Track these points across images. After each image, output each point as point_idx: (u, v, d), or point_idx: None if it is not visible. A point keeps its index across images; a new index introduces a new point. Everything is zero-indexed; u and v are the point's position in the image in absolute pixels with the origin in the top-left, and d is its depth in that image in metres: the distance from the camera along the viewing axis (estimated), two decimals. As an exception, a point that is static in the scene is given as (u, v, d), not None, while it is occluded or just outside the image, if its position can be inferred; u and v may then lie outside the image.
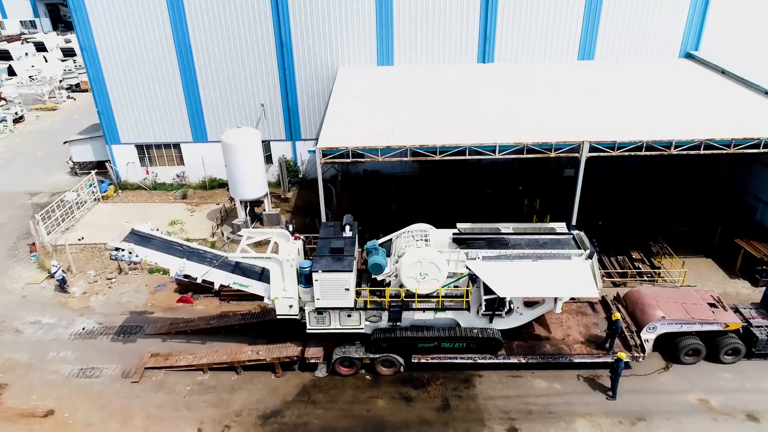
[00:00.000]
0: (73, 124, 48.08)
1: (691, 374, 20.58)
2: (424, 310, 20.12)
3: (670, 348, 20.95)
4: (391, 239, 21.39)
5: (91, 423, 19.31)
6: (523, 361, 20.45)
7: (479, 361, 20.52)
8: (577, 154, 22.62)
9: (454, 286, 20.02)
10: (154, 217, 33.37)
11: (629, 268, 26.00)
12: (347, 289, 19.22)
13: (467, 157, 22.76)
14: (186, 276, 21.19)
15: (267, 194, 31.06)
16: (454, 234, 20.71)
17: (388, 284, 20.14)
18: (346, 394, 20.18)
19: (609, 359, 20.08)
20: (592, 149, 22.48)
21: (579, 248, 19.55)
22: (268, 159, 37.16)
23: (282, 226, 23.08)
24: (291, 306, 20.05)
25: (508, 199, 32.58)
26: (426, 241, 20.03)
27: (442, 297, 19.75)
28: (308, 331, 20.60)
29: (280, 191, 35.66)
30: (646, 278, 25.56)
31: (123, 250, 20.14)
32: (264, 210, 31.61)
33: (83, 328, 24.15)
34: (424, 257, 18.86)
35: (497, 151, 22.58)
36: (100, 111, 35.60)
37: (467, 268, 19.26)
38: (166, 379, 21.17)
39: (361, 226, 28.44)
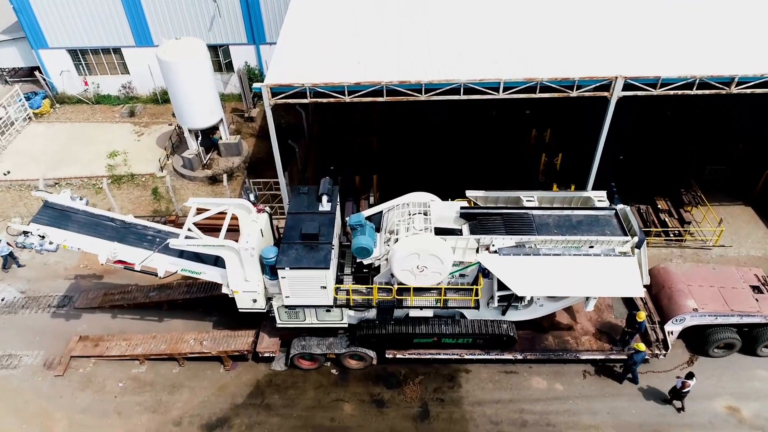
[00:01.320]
0: None
1: (719, 371, 17.19)
2: (421, 308, 16.14)
3: (698, 338, 17.37)
4: (381, 211, 16.83)
5: (7, 430, 16.32)
6: (519, 357, 16.96)
7: (467, 356, 17.05)
8: (605, 93, 17.20)
9: (460, 275, 15.86)
10: (93, 143, 28.52)
11: (654, 223, 21.65)
12: (324, 287, 15.13)
13: (462, 96, 17.36)
14: (120, 261, 16.66)
15: (222, 120, 25.73)
16: (462, 209, 16.08)
17: (378, 268, 15.99)
18: (306, 396, 16.96)
19: (624, 356, 16.62)
20: (627, 87, 17.01)
21: (624, 232, 15.10)
22: (229, 66, 31.16)
23: (243, 193, 18.20)
24: (255, 300, 16.07)
25: (514, 128, 27.15)
26: (425, 215, 15.56)
27: (445, 291, 15.68)
28: (278, 326, 16.81)
29: (244, 107, 30.15)
30: (672, 236, 21.29)
31: (31, 233, 15.44)
32: (221, 138, 26.49)
33: (2, 299, 20.46)
34: (422, 248, 14.50)
35: (501, 90, 17.12)
36: (16, 8, 28.85)
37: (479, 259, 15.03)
38: (95, 372, 17.87)
39: (334, 168, 23.77)
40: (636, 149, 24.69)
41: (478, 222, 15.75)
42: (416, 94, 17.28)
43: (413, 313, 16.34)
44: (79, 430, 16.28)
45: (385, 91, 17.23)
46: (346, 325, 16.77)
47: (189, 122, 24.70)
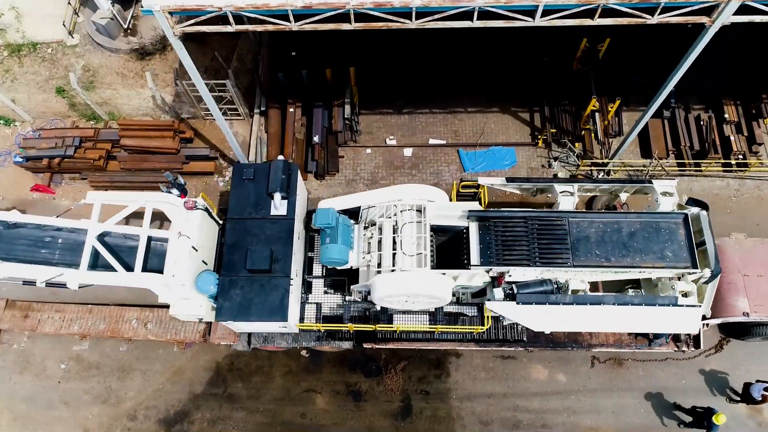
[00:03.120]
0: None
1: (749, 359, 14.80)
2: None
3: (736, 324, 14.52)
4: (359, 207, 12.29)
5: (-56, 427, 14.89)
6: (520, 350, 14.41)
7: (459, 348, 14.50)
8: (704, 19, 10.83)
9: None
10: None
11: (713, 143, 16.62)
12: (284, 327, 11.70)
13: (475, 23, 10.99)
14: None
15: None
16: (471, 212, 11.57)
17: (356, 271, 12.38)
18: (274, 385, 14.98)
19: (648, 349, 13.99)
20: (743, 9, 10.59)
21: (691, 252, 11.01)
22: None
23: (165, 185, 12.87)
24: (201, 319, 12.79)
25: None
26: (419, 212, 11.32)
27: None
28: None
29: None
30: (735, 167, 16.52)
31: None
32: (143, -14, 19.15)
33: None
34: (412, 291, 10.79)
35: (539, 15, 10.72)
36: None
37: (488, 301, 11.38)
38: (32, 349, 15.63)
39: (296, 54, 16.25)
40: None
41: (491, 228, 11.42)
42: (403, 20, 10.97)
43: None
44: (25, 424, 14.77)
45: (353, 16, 10.88)
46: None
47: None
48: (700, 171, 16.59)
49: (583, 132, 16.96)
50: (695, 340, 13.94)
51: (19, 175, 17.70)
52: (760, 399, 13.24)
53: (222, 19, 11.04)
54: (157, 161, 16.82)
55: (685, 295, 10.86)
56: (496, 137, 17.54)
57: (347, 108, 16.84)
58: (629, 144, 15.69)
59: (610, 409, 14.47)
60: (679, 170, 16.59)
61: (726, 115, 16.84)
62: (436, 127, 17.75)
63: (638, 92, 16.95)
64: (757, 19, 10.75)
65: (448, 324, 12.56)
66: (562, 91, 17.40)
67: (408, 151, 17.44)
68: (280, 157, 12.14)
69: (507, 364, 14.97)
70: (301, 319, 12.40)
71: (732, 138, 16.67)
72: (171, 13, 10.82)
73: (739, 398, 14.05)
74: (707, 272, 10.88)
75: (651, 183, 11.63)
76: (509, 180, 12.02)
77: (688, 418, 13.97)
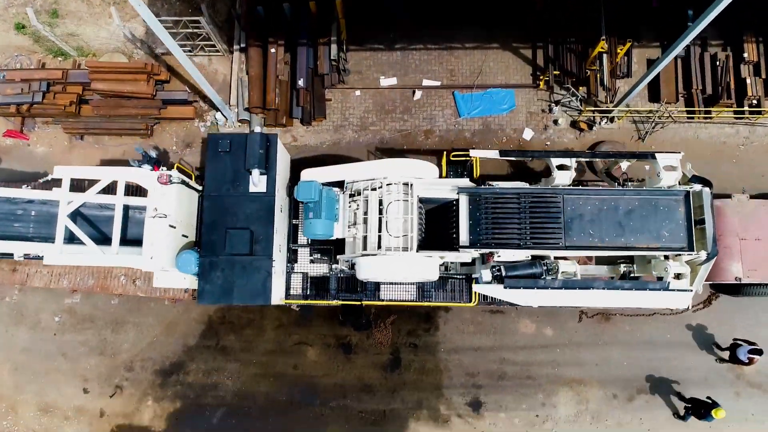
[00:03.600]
0: None
1: (739, 315, 14.85)
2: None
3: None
4: (343, 183, 11.66)
5: (-52, 376, 15.39)
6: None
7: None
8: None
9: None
10: None
11: (727, 87, 15.45)
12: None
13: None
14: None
15: None
16: (460, 189, 10.95)
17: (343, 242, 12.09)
18: (265, 338, 15.25)
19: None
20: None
21: (689, 234, 10.59)
22: None
23: (134, 160, 11.65)
24: (186, 290, 12.70)
25: None
26: (407, 202, 10.82)
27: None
28: None
29: None
30: (748, 110, 15.46)
31: None
32: None
33: None
34: (397, 273, 10.61)
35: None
36: None
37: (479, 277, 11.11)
38: (24, 302, 15.72)
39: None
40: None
41: (481, 204, 10.90)
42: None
43: None
44: (26, 375, 15.25)
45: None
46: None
47: None
48: (710, 118, 15.60)
49: (588, 73, 15.73)
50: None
51: (-15, 116, 16.75)
52: (747, 362, 13.44)
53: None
54: (132, 106, 15.78)
55: (678, 276, 10.57)
56: (494, 78, 16.31)
57: (334, 47, 15.48)
58: (642, 86, 14.56)
59: (593, 362, 14.83)
60: (688, 117, 15.60)
61: (745, 54, 15.50)
62: (431, 65, 16.45)
63: (654, 21, 15.59)
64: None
65: (435, 293, 12.44)
66: (568, 24, 15.88)
67: (418, 94, 16.21)
68: (257, 129, 11.26)
69: (495, 319, 15.10)
70: (287, 289, 12.25)
71: (748, 81, 15.47)
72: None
73: (727, 359, 14.27)
74: (703, 254, 10.52)
75: (654, 158, 10.86)
76: (503, 153, 11.23)
77: (682, 405, 14.18)
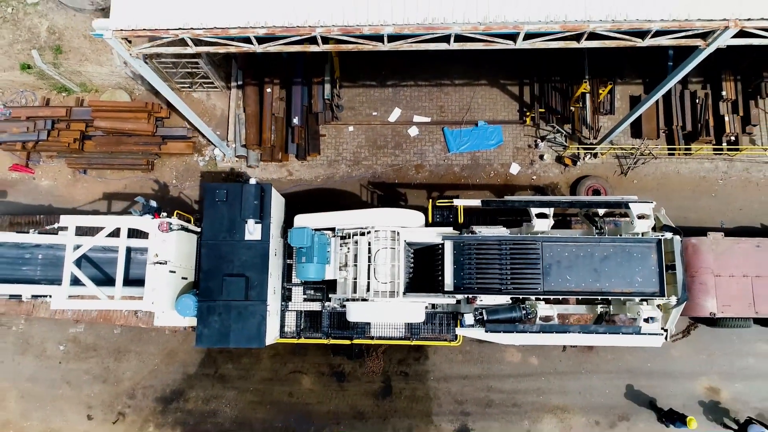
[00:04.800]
0: None
1: (717, 344, 15.49)
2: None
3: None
4: (334, 228, 12.27)
5: (-42, 403, 16.00)
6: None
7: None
8: (698, 42, 10.07)
9: None
10: None
11: (705, 125, 16.05)
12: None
13: (452, 45, 10.20)
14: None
15: None
16: (445, 237, 11.59)
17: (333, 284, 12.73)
18: (262, 367, 15.86)
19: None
20: (741, 33, 9.82)
21: (661, 280, 11.20)
22: None
23: (136, 209, 12.22)
24: (186, 327, 13.32)
25: None
26: (394, 249, 11.47)
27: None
28: None
29: None
30: (726, 147, 16.05)
31: None
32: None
33: None
34: (383, 318, 11.44)
35: (520, 39, 9.93)
36: None
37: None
38: (30, 332, 16.34)
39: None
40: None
41: (465, 250, 11.50)
42: (375, 43, 10.23)
43: None
44: (33, 402, 15.87)
45: (320, 40, 10.13)
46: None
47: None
48: (690, 153, 16.20)
49: (573, 110, 16.34)
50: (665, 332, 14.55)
51: (-4, 152, 17.37)
52: None
53: (181, 40, 10.28)
54: (133, 143, 16.40)
55: (650, 319, 11.18)
56: (483, 114, 16.92)
57: (327, 87, 16.07)
58: (626, 124, 15.12)
59: (577, 390, 15.44)
60: (669, 152, 16.21)
61: (723, 92, 16.10)
62: (421, 101, 17.06)
63: (636, 60, 16.26)
64: (755, 42, 9.99)
65: (423, 328, 13.05)
66: (553, 64, 16.47)
67: (414, 131, 16.79)
68: (252, 180, 11.86)
69: (483, 348, 15.71)
70: (282, 326, 12.88)
71: (726, 118, 16.07)
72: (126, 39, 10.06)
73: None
74: (673, 299, 11.13)
75: (628, 207, 11.45)
76: (484, 203, 11.82)
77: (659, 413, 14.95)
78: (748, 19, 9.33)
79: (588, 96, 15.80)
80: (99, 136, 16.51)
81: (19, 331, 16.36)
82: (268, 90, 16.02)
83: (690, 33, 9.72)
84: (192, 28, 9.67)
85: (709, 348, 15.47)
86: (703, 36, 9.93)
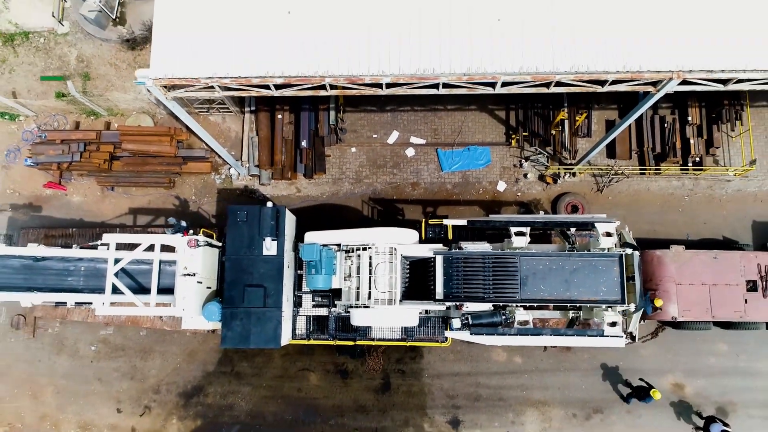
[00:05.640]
0: None
1: (681, 344, 17.26)
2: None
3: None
4: (340, 243, 14.07)
5: (0, 397, 17.77)
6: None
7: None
8: (650, 88, 11.85)
9: None
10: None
11: (673, 147, 17.81)
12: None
13: (441, 91, 11.99)
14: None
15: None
16: (436, 252, 13.36)
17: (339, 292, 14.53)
18: (273, 365, 17.63)
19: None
20: (684, 81, 11.60)
21: (622, 290, 12.96)
22: None
23: (169, 228, 14.18)
24: (210, 330, 15.11)
25: None
26: (391, 263, 13.22)
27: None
28: None
29: None
30: (691, 166, 17.82)
31: None
32: (127, -26, 19.20)
33: (-62, 239, 18.91)
34: (382, 322, 13.30)
35: (498, 86, 11.73)
36: None
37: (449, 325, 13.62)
38: (64, 333, 18.12)
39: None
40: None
41: (453, 263, 13.29)
42: (374, 89, 12.03)
43: None
44: (68, 397, 17.65)
45: (328, 87, 11.92)
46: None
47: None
48: (659, 172, 17.96)
49: (553, 132, 18.10)
50: (631, 335, 16.31)
51: (31, 171, 19.11)
52: None
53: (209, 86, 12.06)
54: (157, 163, 18.18)
55: (613, 323, 12.96)
56: (473, 136, 18.69)
57: (332, 114, 17.85)
58: (599, 148, 16.86)
59: (556, 386, 17.21)
60: (640, 171, 17.97)
61: (689, 118, 17.86)
62: (417, 125, 18.83)
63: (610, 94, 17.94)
64: (698, 88, 11.77)
65: (418, 330, 14.83)
66: (535, 93, 18.20)
67: (411, 151, 18.58)
68: (269, 204, 13.64)
69: (471, 348, 17.47)
70: (294, 329, 14.66)
71: (692, 141, 17.84)
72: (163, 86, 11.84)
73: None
74: (632, 306, 12.90)
75: (594, 227, 13.24)
76: (470, 222, 13.61)
77: (627, 390, 16.71)
78: (690, 71, 11.09)
79: (566, 122, 17.57)
80: (126, 157, 18.28)
81: (54, 333, 18.14)
82: (279, 116, 17.80)
83: (642, 82, 11.50)
84: (220, 77, 11.44)
85: (674, 348, 17.25)
86: (654, 84, 11.70)
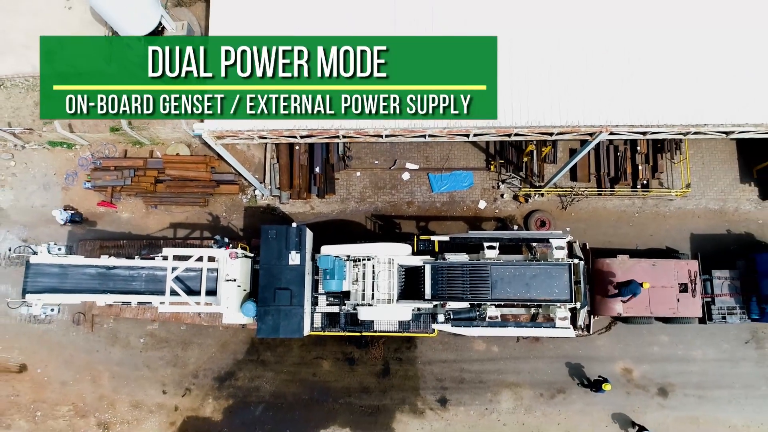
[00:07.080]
0: None
1: (630, 336, 20.86)
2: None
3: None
4: (349, 255, 17.63)
5: (65, 381, 21.33)
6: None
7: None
8: (588, 137, 15.45)
9: None
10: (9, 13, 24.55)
11: (625, 172, 21.40)
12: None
13: (427, 139, 15.58)
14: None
15: (162, 17, 21.72)
16: (425, 263, 16.94)
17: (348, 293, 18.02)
18: (292, 354, 21.22)
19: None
20: (613, 134, 15.20)
21: (571, 291, 16.55)
22: None
23: (214, 243, 17.99)
24: (244, 325, 18.81)
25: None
26: (390, 271, 16.78)
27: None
28: None
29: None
30: (640, 188, 21.41)
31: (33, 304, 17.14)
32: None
33: (9, 249, 22.46)
34: (385, 317, 16.75)
35: (471, 136, 15.32)
36: None
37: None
38: (117, 328, 21.69)
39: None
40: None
41: (438, 270, 16.86)
42: (377, 138, 15.65)
43: None
44: (121, 381, 21.24)
45: (341, 136, 15.55)
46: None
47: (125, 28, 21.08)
48: (614, 193, 21.56)
49: (525, 159, 21.68)
50: (587, 328, 19.91)
51: (87, 192, 22.67)
52: None
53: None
54: (194, 186, 21.76)
55: (563, 318, 16.56)
56: (458, 162, 22.27)
57: (341, 144, 21.43)
58: (561, 174, 20.41)
59: (527, 371, 20.80)
60: (597, 192, 21.56)
61: (639, 148, 21.46)
62: (412, 153, 22.40)
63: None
64: (623, 137, 15.35)
65: (411, 325, 18.39)
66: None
67: (407, 175, 22.18)
68: (294, 224, 17.22)
69: (457, 339, 21.05)
70: (312, 323, 18.22)
71: (640, 167, 21.44)
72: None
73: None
74: (578, 305, 16.48)
75: (549, 241, 16.82)
76: (452, 238, 17.20)
77: (586, 381, 20.34)
78: (615, 126, 14.68)
79: (534, 151, 21.17)
80: (168, 181, 21.86)
81: (109, 328, 21.72)
82: (297, 147, 21.37)
83: (580, 134, 15.06)
84: (259, 130, 15.01)
85: (624, 339, 20.85)
86: (591, 134, 15.27)
